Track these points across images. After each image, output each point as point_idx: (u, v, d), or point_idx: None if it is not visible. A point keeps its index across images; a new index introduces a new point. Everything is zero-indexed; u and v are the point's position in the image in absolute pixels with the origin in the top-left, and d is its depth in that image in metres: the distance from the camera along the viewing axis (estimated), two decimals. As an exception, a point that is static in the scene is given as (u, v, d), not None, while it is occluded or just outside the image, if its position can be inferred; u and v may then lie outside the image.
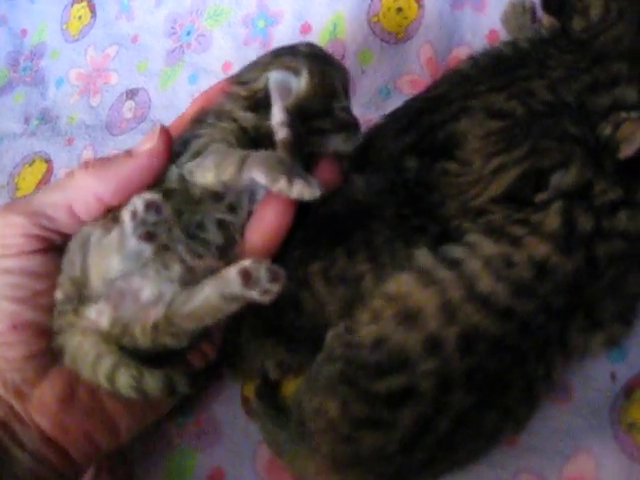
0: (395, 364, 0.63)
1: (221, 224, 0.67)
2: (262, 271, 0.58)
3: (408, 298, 0.65)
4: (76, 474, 0.69)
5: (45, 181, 1.15)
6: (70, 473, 0.68)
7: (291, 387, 0.77)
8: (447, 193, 0.73)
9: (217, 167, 0.64)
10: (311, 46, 0.78)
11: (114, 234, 0.62)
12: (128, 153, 0.66)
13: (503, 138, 0.73)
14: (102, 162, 0.67)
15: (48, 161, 1.18)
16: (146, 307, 0.61)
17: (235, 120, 0.71)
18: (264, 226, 0.69)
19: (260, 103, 0.73)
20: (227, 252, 0.67)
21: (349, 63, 0.98)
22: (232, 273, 0.58)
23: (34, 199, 0.67)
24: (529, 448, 0.68)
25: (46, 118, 1.24)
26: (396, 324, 0.64)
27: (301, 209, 0.71)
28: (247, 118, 0.72)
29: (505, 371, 0.63)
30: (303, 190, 0.61)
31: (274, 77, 0.72)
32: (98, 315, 0.62)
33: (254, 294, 0.58)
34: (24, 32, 1.36)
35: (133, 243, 0.61)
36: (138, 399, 0.62)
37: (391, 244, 0.71)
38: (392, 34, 0.99)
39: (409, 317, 0.64)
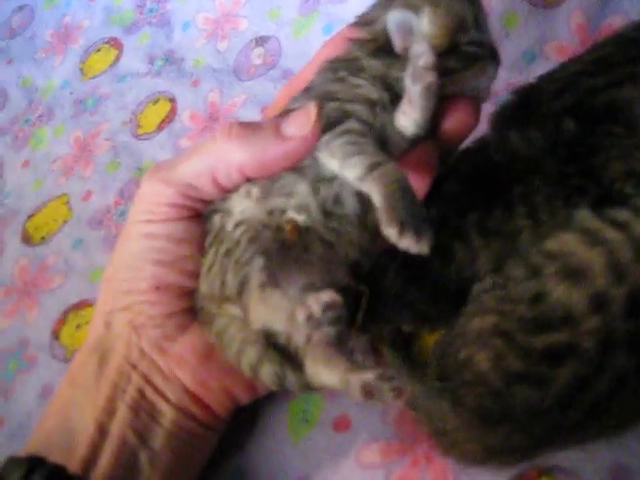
0: (556, 320, 0.61)
1: (359, 194, 0.62)
2: (385, 388, 0.53)
3: (572, 256, 0.63)
4: (217, 424, 0.71)
5: (168, 120, 1.15)
6: (212, 424, 0.70)
7: (427, 340, 0.75)
8: (611, 155, 0.70)
9: (342, 160, 0.60)
10: None
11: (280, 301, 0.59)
12: (278, 131, 0.62)
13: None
14: (247, 131, 0.63)
15: (172, 101, 1.18)
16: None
17: (363, 70, 0.66)
18: None
19: (384, 48, 0.66)
20: (366, 219, 0.64)
21: (494, 25, 0.95)
22: (354, 385, 0.53)
23: (178, 167, 0.66)
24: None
25: (171, 60, 1.24)
26: (559, 280, 0.62)
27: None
28: (374, 67, 0.66)
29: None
30: (410, 245, 0.56)
31: (392, 17, 0.64)
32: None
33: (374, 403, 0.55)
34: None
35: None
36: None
37: (551, 202, 0.69)
38: (541, -2, 0.95)
39: (574, 274, 0.62)
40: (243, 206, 0.64)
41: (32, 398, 0.96)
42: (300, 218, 0.63)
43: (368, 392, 0.52)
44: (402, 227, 0.56)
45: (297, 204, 0.63)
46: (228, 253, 0.62)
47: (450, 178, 0.74)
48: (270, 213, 0.63)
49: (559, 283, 0.62)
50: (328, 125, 0.63)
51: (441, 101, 0.65)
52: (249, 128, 0.64)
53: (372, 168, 0.58)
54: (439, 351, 0.69)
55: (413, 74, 0.61)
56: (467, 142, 0.78)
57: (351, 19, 0.71)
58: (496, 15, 0.97)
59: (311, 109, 0.62)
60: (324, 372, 0.56)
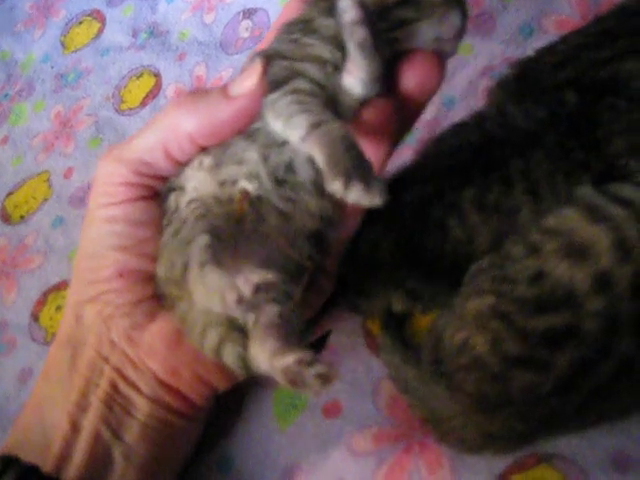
0: (557, 301, 0.58)
1: (312, 160, 0.56)
2: (307, 374, 0.48)
3: (574, 233, 0.60)
4: (196, 413, 0.69)
5: (152, 96, 1.12)
6: (190, 413, 0.67)
7: (421, 322, 0.72)
8: (613, 129, 0.68)
9: (286, 121, 0.55)
10: None
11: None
12: (225, 92, 0.59)
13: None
14: (195, 98, 0.60)
15: (157, 75, 1.16)
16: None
17: (316, 30, 0.60)
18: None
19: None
20: (323, 187, 0.59)
21: (490, -2, 0.92)
22: (277, 371, 0.50)
23: (131, 145, 0.63)
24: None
25: (155, 32, 1.21)
26: (560, 258, 0.59)
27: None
28: (327, 26, 0.60)
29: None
30: (360, 197, 0.50)
31: None
32: None
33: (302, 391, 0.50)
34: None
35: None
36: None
37: (552, 177, 0.66)
38: (540, -31, 0.92)
39: (576, 252, 0.59)
40: (196, 180, 0.60)
41: (11, 381, 0.93)
42: (251, 187, 0.58)
43: (291, 378, 0.49)
44: (348, 179, 0.50)
45: (247, 172, 0.59)
46: (176, 233, 0.59)
47: (445, 153, 0.71)
48: (222, 184, 0.59)
49: (560, 261, 0.59)
50: (276, 84, 0.58)
51: (400, 57, 0.60)
52: (197, 95, 0.61)
53: (314, 127, 0.54)
54: (434, 334, 0.66)
55: (344, 31, 0.56)
56: (463, 116, 0.76)
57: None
58: (493, -14, 0.94)
59: (256, 65, 0.58)
60: (256, 356, 0.53)
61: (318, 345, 0.61)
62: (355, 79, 0.58)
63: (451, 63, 0.91)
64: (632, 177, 0.64)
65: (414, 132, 0.87)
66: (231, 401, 0.75)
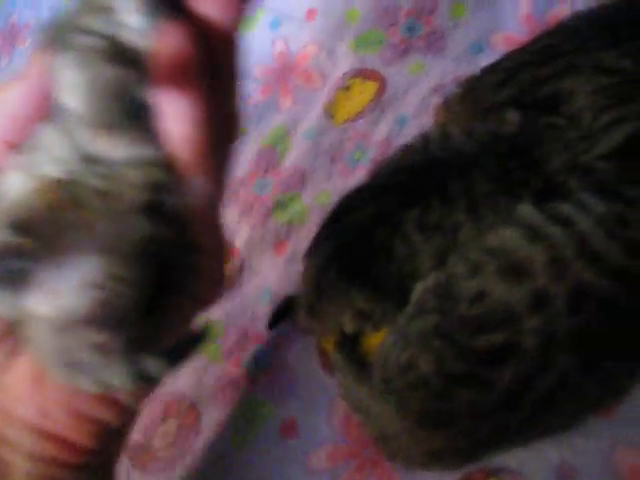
0: (497, 320, 0.60)
1: None
2: None
3: (513, 253, 0.62)
4: (90, 459, 0.52)
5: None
6: (81, 460, 0.51)
7: (373, 341, 0.74)
8: (553, 148, 0.69)
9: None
10: None
11: None
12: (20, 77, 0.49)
13: (615, 93, 0.69)
14: None
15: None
16: None
17: None
18: None
19: None
20: None
21: (441, 16, 0.94)
22: None
23: None
24: (627, 420, 0.65)
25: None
26: (499, 278, 0.61)
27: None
28: None
29: (613, 334, 0.59)
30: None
31: None
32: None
33: None
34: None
35: None
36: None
37: (492, 197, 0.68)
38: (488, -13, 0.94)
39: (514, 272, 0.60)
40: (14, 182, 0.54)
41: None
42: (59, 172, 0.53)
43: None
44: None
45: (53, 157, 0.53)
46: None
47: (390, 174, 0.73)
48: (36, 177, 0.53)
49: (500, 281, 0.61)
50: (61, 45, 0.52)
51: None
52: None
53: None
54: (382, 353, 0.67)
55: None
56: (415, 135, 0.77)
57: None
58: (443, 5, 0.96)
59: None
60: None
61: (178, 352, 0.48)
62: (131, 13, 0.50)
63: (403, 82, 0.94)
64: (572, 195, 0.65)
65: (367, 152, 0.89)
66: (186, 419, 0.76)
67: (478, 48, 0.92)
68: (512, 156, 0.69)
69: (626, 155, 0.67)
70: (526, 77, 0.76)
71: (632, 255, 0.60)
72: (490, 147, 0.71)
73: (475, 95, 0.78)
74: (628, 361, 0.62)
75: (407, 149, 0.75)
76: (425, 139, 0.74)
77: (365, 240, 0.69)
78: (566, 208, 0.63)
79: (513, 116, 0.73)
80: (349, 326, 0.73)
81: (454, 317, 0.62)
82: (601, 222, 0.61)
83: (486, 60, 0.84)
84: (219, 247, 0.49)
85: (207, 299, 0.49)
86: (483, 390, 0.60)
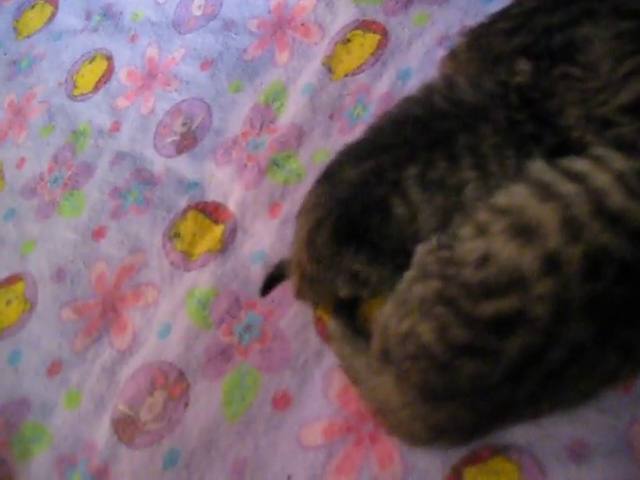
0: (505, 284, 0.55)
1: None
2: None
3: (523, 212, 0.57)
4: None
5: (105, 80, 1.08)
6: None
7: (372, 308, 0.69)
8: (568, 100, 0.64)
9: None
10: None
11: None
12: None
13: (636, 39, 0.64)
14: None
15: (109, 58, 1.12)
16: None
17: None
18: None
19: None
20: None
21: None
22: None
23: None
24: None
25: (108, 14, 1.18)
26: (508, 239, 0.56)
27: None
28: None
29: (632, 302, 0.54)
30: None
31: None
32: None
33: None
34: None
35: None
36: None
37: (500, 151, 0.63)
38: None
39: (525, 232, 0.55)
40: None
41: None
42: None
43: None
44: None
45: None
46: None
47: (389, 128, 0.68)
48: None
49: (508, 242, 0.56)
50: None
51: None
52: None
53: None
54: (381, 321, 0.62)
55: None
56: (412, 90, 0.72)
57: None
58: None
59: None
60: None
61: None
62: None
63: (406, 34, 0.89)
64: (588, 150, 0.61)
65: (368, 107, 0.84)
66: (176, 393, 0.73)
67: (487, -2, 0.86)
68: (523, 108, 0.64)
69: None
70: (538, 24, 0.70)
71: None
72: (499, 99, 0.66)
73: (483, 43, 0.73)
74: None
75: (408, 100, 0.70)
76: (428, 89, 0.69)
77: (361, 199, 0.65)
78: (581, 164, 0.58)
79: (524, 66, 0.68)
80: (344, 291, 0.68)
81: (458, 282, 0.57)
82: (620, 179, 0.55)
83: (496, 10, 0.78)
84: None
85: None
86: (489, 362, 0.55)
